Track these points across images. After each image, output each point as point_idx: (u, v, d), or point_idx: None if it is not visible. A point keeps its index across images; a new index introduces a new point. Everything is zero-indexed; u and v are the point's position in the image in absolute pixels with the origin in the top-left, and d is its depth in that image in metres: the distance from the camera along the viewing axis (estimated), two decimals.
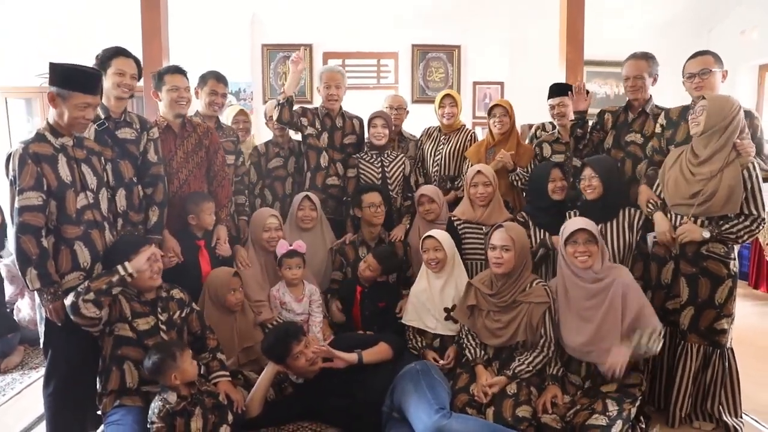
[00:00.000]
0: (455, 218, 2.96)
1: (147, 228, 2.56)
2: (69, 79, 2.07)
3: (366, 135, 3.48)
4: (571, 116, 3.09)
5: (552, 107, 3.18)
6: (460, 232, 2.93)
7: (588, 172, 2.65)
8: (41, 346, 2.27)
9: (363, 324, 2.87)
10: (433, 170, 3.46)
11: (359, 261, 2.99)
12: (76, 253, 2.14)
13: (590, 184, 2.63)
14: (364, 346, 2.48)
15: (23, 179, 2.02)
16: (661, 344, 2.24)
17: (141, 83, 3.39)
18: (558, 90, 3.18)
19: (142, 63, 3.34)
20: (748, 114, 2.54)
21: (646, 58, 2.86)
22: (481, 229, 2.89)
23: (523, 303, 2.42)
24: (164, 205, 2.62)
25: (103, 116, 2.45)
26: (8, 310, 3.69)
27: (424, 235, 2.72)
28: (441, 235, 2.71)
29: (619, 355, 2.23)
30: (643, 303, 2.29)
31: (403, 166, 3.34)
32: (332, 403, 2.36)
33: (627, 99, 2.97)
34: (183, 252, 2.67)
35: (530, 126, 4.27)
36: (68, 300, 2.04)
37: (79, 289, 2.04)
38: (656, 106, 2.91)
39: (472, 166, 3.24)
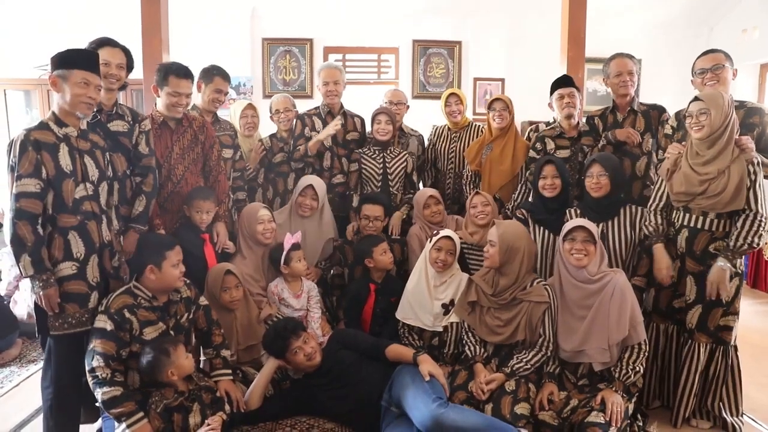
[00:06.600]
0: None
1: (131, 217, 2.51)
2: (66, 59, 2.09)
3: (369, 131, 3.47)
4: (576, 113, 3.07)
5: (561, 97, 3.05)
6: (465, 254, 2.96)
7: (597, 169, 2.59)
8: (37, 335, 2.27)
9: (373, 320, 2.85)
10: (448, 167, 3.52)
11: (356, 265, 2.99)
12: (69, 243, 2.13)
13: (598, 182, 2.58)
14: (361, 345, 2.49)
15: (22, 165, 2.02)
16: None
17: (141, 77, 3.38)
18: (567, 81, 3.12)
19: (142, 57, 3.29)
20: (758, 111, 2.54)
21: (631, 57, 2.92)
22: (481, 250, 2.87)
23: (524, 301, 2.41)
24: (152, 196, 2.58)
25: (95, 109, 2.43)
26: (5, 302, 3.68)
27: (441, 234, 2.66)
28: (457, 239, 2.71)
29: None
30: (634, 311, 2.26)
31: (405, 162, 3.33)
32: (331, 398, 2.36)
33: (612, 100, 3.00)
34: (188, 245, 2.65)
35: (530, 123, 4.25)
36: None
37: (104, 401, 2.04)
38: (641, 103, 2.96)
39: (468, 165, 3.33)
